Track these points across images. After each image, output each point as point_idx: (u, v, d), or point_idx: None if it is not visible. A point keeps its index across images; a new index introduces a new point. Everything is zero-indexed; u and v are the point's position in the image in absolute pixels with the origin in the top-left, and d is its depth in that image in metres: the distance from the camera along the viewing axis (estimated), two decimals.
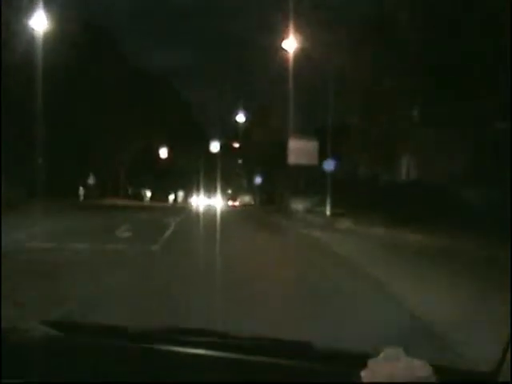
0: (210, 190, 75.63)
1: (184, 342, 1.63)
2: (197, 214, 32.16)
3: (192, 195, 68.83)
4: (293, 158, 27.78)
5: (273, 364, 1.50)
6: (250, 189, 53.61)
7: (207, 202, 78.93)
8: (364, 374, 1.24)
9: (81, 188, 48.84)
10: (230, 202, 71.10)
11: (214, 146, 47.67)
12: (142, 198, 58.06)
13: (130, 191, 58.98)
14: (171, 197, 77.72)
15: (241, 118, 43.96)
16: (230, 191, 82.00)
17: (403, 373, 1.21)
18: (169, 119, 54.22)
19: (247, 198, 57.36)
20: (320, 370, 1.48)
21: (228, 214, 33.63)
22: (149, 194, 61.39)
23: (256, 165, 45.43)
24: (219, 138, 48.73)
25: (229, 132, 48.47)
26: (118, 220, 19.44)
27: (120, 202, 50.36)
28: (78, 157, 47.10)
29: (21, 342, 1.58)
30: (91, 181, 47.24)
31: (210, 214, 31.03)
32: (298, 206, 32.82)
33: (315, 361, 1.52)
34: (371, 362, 1.26)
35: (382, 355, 1.28)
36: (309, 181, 31.60)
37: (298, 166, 28.85)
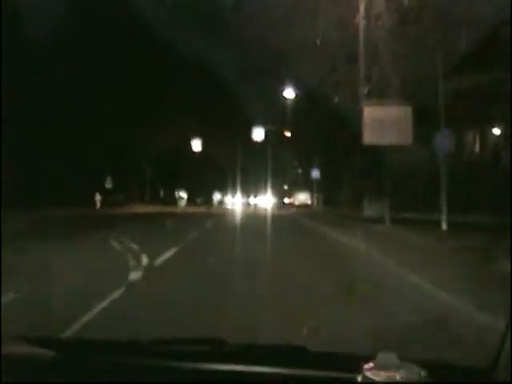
0: (254, 189, 65.18)
1: (180, 352, 1.65)
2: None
3: (233, 195, 59.36)
4: (369, 136, 17.15)
5: (269, 372, 1.51)
6: (306, 185, 43.04)
7: (255, 201, 68.93)
8: (360, 379, 1.30)
9: (97, 194, 39.77)
10: (287, 200, 61.01)
11: (257, 134, 37.13)
12: (175, 202, 48.58)
13: (161, 194, 49.65)
14: (216, 198, 66.86)
15: (289, 93, 33.35)
16: (285, 186, 72.13)
17: (398, 376, 1.25)
18: (202, 105, 44.61)
19: (303, 197, 46.71)
20: (316, 376, 1.48)
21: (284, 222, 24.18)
22: (184, 196, 51.83)
23: (313, 153, 34.87)
24: (263, 124, 38.22)
25: (275, 115, 37.95)
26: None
27: (148, 208, 40.98)
28: (92, 154, 38.10)
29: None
30: (109, 184, 38.05)
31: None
32: (371, 211, 22.37)
33: (311, 367, 1.52)
34: (367, 367, 1.31)
35: (376, 360, 1.33)
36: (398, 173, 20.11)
37: (378, 147, 18.24)
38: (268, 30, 20.12)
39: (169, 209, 41.50)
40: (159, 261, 9.55)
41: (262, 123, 37.47)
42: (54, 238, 14.26)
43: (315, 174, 35.52)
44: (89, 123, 36.40)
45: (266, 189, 64.65)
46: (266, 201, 68.94)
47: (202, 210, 41.68)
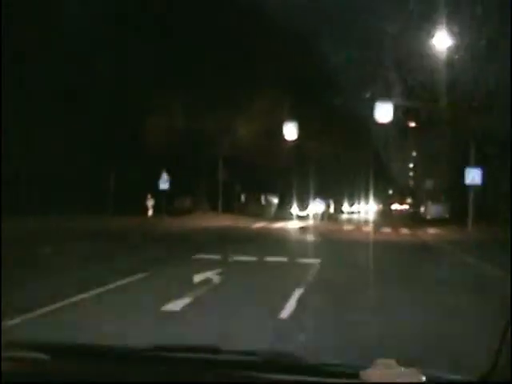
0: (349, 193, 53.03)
1: (173, 359, 1.65)
2: None
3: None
4: None
5: (266, 380, 1.49)
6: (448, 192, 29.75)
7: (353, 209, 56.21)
8: None
9: (149, 196, 28.86)
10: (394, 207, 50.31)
11: (384, 113, 23.61)
12: (262, 209, 36.38)
13: (243, 198, 37.72)
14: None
15: (442, 41, 20.15)
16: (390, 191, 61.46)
17: (396, 381, 1.24)
18: (297, 79, 32.24)
19: (438, 209, 32.90)
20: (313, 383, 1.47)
21: None
22: (275, 201, 39.48)
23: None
24: (390, 98, 24.69)
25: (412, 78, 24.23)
26: None
27: (224, 219, 29.42)
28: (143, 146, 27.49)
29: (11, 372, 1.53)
30: (164, 184, 26.87)
31: None
32: None
33: (308, 375, 1.49)
34: (363, 373, 1.29)
35: (374, 366, 1.31)
36: None
37: None
38: None
39: (257, 221, 29.73)
40: None
41: (389, 97, 24.08)
42: None
43: (475, 175, 22.18)
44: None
45: (366, 193, 54.27)
46: (366, 209, 58.43)
47: (304, 224, 29.44)
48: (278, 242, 18.84)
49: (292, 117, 29.62)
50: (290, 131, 29.45)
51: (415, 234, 23.94)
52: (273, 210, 38.58)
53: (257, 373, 1.51)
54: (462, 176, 24.59)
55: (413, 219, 36.00)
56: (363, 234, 23.65)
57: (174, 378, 1.53)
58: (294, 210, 37.86)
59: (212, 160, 32.45)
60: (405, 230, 26.04)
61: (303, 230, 26.09)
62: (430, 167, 40.02)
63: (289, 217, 35.36)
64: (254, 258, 12.53)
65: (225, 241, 18.16)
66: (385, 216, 49.04)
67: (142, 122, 27.83)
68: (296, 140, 29.66)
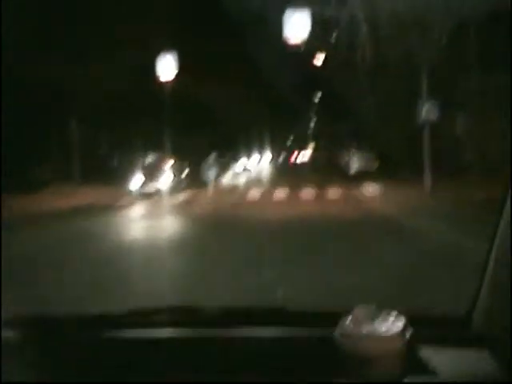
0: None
1: (152, 322, 1.61)
2: None
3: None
4: None
5: (247, 334, 1.50)
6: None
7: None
8: (337, 334, 1.24)
9: None
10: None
11: (296, 28, 16.58)
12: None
13: (115, 162, 29.26)
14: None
15: None
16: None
17: (376, 329, 1.21)
18: None
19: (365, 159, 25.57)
20: (293, 334, 1.48)
21: None
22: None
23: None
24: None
25: None
26: None
27: (78, 198, 21.07)
28: None
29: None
30: None
31: None
32: None
33: (288, 325, 1.50)
34: (343, 322, 1.26)
35: (354, 314, 1.28)
36: None
37: None
38: None
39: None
40: None
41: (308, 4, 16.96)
42: None
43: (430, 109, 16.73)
44: None
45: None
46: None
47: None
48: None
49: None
50: (167, 68, 21.84)
51: (354, 199, 17.22)
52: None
53: (235, 328, 1.51)
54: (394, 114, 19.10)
55: (331, 173, 28.72)
56: (269, 209, 15.30)
57: (150, 341, 1.51)
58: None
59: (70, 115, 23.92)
60: (333, 192, 19.02)
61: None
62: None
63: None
64: None
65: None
66: (284, 171, 39.52)
67: None
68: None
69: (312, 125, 57.85)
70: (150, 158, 26.74)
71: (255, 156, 46.58)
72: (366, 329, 1.22)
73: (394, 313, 1.27)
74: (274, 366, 1.44)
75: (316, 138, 54.08)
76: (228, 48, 25.58)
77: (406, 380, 1.24)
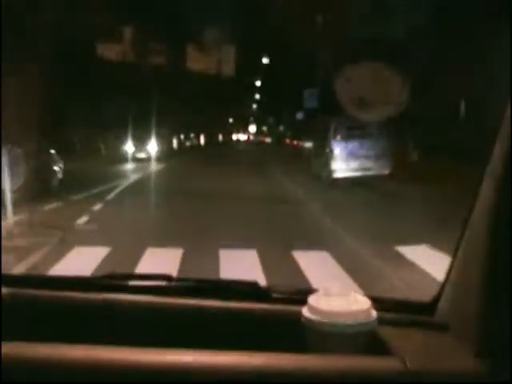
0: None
1: (125, 287, 1.65)
2: None
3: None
4: None
5: (219, 307, 1.54)
6: None
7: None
8: (304, 311, 1.29)
9: None
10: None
11: None
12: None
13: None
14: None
15: None
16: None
17: (343, 307, 1.26)
18: None
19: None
20: (263, 309, 1.53)
21: None
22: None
23: None
24: None
25: None
26: None
27: None
28: None
29: None
30: None
31: None
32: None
33: (259, 301, 1.55)
34: (311, 299, 1.30)
35: (321, 291, 1.33)
36: None
37: None
38: None
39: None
40: None
41: None
42: None
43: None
44: None
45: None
46: None
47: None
48: None
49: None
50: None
51: None
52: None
53: (206, 299, 1.55)
54: None
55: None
56: None
57: (125, 304, 1.56)
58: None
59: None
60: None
61: None
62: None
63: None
64: None
65: None
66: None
67: None
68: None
69: None
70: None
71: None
72: (332, 306, 1.27)
73: (361, 294, 1.34)
74: (243, 336, 1.46)
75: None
76: None
77: (368, 357, 1.25)
